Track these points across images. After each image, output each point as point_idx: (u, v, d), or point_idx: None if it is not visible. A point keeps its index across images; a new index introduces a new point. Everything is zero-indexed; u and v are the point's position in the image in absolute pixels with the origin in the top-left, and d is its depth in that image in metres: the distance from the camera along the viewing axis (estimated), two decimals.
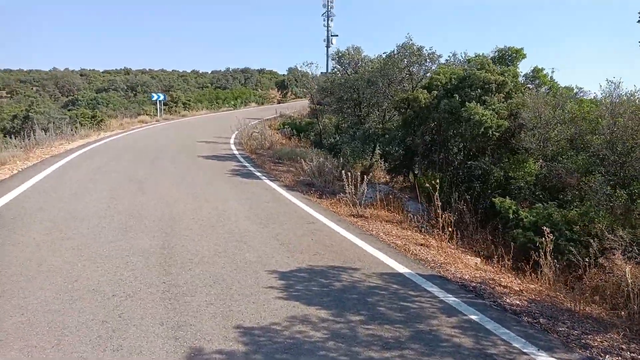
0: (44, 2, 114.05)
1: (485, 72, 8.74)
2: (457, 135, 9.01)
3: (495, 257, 5.66)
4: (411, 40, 10.58)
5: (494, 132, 8.02)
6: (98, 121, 26.14)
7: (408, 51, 10.44)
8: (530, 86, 9.66)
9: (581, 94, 9.60)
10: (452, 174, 9.75)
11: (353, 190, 8.55)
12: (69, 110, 42.40)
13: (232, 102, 49.59)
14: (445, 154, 10.24)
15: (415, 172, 11.95)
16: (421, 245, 6.02)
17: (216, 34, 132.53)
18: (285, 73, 78.23)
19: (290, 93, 62.91)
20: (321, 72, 21.81)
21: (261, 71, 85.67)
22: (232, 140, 19.69)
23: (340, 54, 13.73)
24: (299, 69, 20.82)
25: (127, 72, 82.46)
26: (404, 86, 11.21)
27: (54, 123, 25.11)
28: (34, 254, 4.73)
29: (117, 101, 49.08)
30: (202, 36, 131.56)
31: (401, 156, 11.11)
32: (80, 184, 8.56)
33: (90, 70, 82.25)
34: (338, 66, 14.19)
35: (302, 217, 7.09)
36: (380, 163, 14.13)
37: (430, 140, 10.32)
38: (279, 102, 57.26)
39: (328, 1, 77.81)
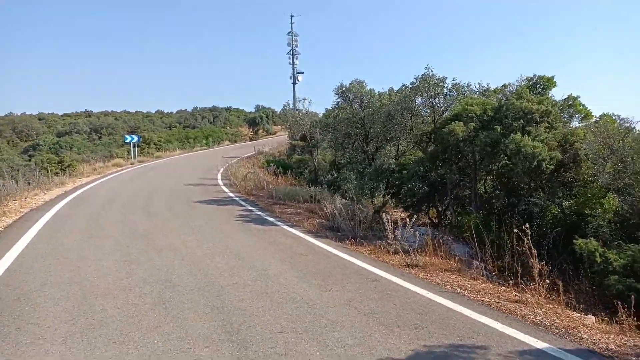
0: None
1: (527, 101, 8.18)
2: (502, 169, 8.33)
3: (602, 313, 4.85)
4: (432, 71, 10.02)
5: (548, 165, 7.36)
6: (66, 166, 24.44)
7: (429, 82, 9.84)
8: (565, 116, 9.19)
9: (621, 122, 9.21)
10: (489, 211, 9.03)
11: (393, 234, 7.67)
12: (29, 156, 40.12)
13: (204, 141, 48.29)
14: (476, 189, 9.56)
15: (441, 209, 11.20)
16: (516, 302, 5.10)
17: (179, 74, 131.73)
18: (253, 110, 78.12)
19: (261, 130, 62.26)
20: (323, 112, 21.16)
21: (229, 109, 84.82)
22: (220, 181, 18.55)
23: (344, 89, 13.07)
24: (286, 107, 19.96)
25: (88, 114, 79.74)
26: (423, 119, 10.57)
27: (18, 171, 23.26)
28: (63, 356, 3.52)
29: (81, 144, 46.91)
30: (165, 76, 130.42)
31: (426, 192, 10.34)
32: (81, 244, 7.26)
33: (49, 114, 78.97)
34: (341, 101, 13.50)
35: (357, 273, 6.08)
36: (390, 200, 13.39)
37: (460, 176, 9.62)
38: (251, 140, 56.35)
39: (292, 40, 79.16)
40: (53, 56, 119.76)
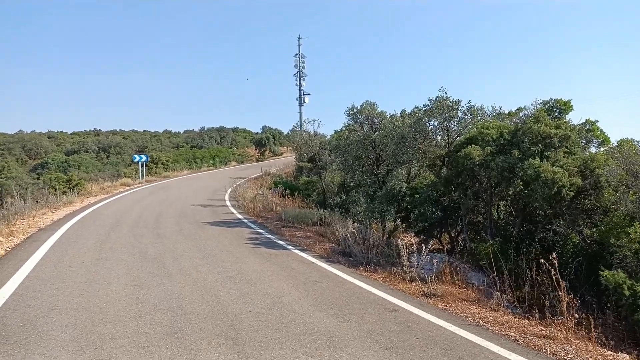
0: (8, 64, 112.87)
1: (545, 125, 8.04)
2: (518, 195, 8.13)
3: (634, 351, 4.59)
4: (445, 93, 9.93)
5: (568, 192, 7.16)
6: (74, 185, 24.43)
7: (443, 105, 9.74)
8: (582, 141, 9.04)
9: None
10: (505, 238, 8.79)
11: (408, 261, 7.46)
12: (37, 174, 40.31)
13: (211, 161, 48.43)
14: (490, 215, 9.34)
15: (454, 235, 10.96)
16: (544, 337, 4.85)
17: (187, 94, 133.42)
18: (260, 131, 78.65)
19: (268, 151, 62.47)
20: (331, 134, 21.09)
21: (235, 129, 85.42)
22: (228, 202, 18.44)
23: (355, 110, 13.00)
24: (296, 127, 19.94)
25: (97, 133, 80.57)
26: (437, 142, 10.45)
27: (27, 189, 23.29)
28: None
29: (89, 163, 47.20)
30: (173, 97, 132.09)
31: (438, 217, 10.12)
32: (89, 267, 7.09)
33: (58, 132, 79.80)
34: (352, 122, 13.42)
35: (375, 302, 5.86)
36: (400, 224, 13.16)
37: (475, 201, 9.42)
38: (257, 160, 56.47)
39: (300, 62, 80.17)
40: (63, 75, 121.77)
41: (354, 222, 9.94)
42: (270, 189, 24.46)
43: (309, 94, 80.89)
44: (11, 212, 12.56)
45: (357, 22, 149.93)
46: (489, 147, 8.27)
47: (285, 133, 78.25)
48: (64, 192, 19.53)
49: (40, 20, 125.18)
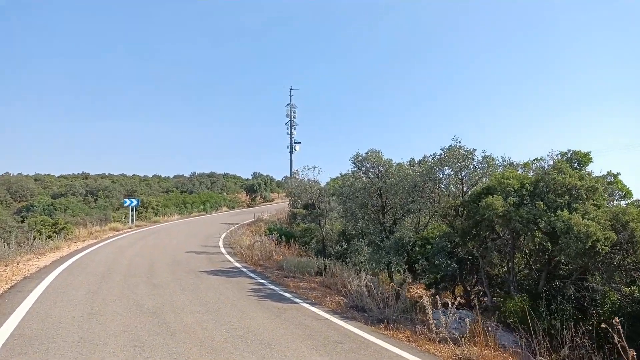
0: None
1: (569, 176, 7.71)
2: (542, 248, 7.67)
3: None
4: (459, 142, 9.66)
5: (603, 246, 6.72)
6: (60, 229, 23.44)
7: (457, 154, 9.44)
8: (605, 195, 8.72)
9: None
10: (531, 294, 8.23)
11: (433, 319, 6.85)
12: (22, 217, 39.00)
13: (202, 207, 47.62)
14: (512, 268, 8.83)
15: (469, 289, 10.36)
16: None
17: (177, 140, 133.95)
18: (250, 177, 78.38)
19: (259, 197, 61.93)
20: (327, 181, 20.75)
21: (226, 175, 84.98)
22: (223, 249, 17.69)
23: (360, 158, 12.69)
24: (294, 175, 19.56)
25: (85, 176, 79.40)
26: (449, 191, 10.07)
27: (10, 232, 22.22)
28: None
29: (76, 207, 45.98)
30: (163, 142, 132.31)
31: (454, 270, 9.57)
32: (82, 323, 6.33)
33: (45, 174, 78.46)
34: (357, 170, 13.08)
35: None
36: (407, 275, 12.56)
37: (496, 253, 8.94)
38: (248, 206, 55.84)
39: (291, 111, 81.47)
40: (52, 118, 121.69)
41: (366, 273, 9.30)
42: (265, 235, 23.74)
43: (300, 143, 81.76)
44: None
45: (346, 77, 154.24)
46: (511, 198, 7.87)
47: (278, 180, 78.34)
48: (49, 236, 18.61)
49: (29, 64, 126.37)
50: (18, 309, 6.92)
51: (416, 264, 11.75)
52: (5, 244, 13.04)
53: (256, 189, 62.33)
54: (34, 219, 28.60)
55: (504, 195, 8.17)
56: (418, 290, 12.82)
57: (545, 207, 7.58)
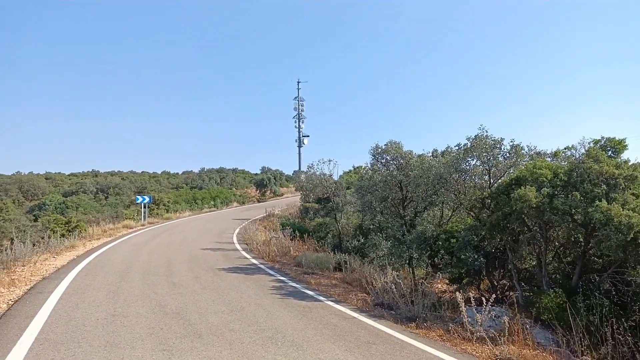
0: (7, 108, 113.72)
1: (607, 165, 7.38)
2: (576, 241, 7.36)
3: None
4: (486, 132, 9.32)
5: None
6: (73, 227, 23.44)
7: (485, 144, 9.11)
8: None
9: None
10: (565, 289, 7.93)
11: (468, 316, 6.59)
12: (34, 215, 39.19)
13: (212, 202, 47.55)
14: (545, 262, 8.52)
15: (497, 284, 10.07)
16: None
17: (185, 136, 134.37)
18: (259, 172, 78.31)
19: (269, 192, 61.77)
20: (340, 174, 20.43)
21: (235, 170, 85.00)
22: (238, 245, 17.51)
23: (380, 150, 12.38)
24: (309, 169, 19.27)
25: (95, 174, 79.82)
26: (475, 183, 9.75)
27: (25, 232, 22.26)
28: None
29: (87, 204, 46.20)
30: (171, 137, 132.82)
31: (482, 264, 9.27)
32: (106, 325, 6.15)
33: (56, 173, 78.96)
34: (376, 162, 12.77)
35: None
36: (430, 270, 12.28)
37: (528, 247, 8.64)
38: (259, 201, 55.67)
39: (299, 105, 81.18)
40: (62, 119, 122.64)
41: (391, 269, 9.04)
42: (277, 230, 23.57)
43: (308, 136, 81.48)
44: (10, 257, 11.61)
45: (356, 70, 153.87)
46: (545, 189, 7.55)
47: (288, 174, 78.24)
48: (63, 235, 18.56)
49: (38, 65, 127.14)
50: (40, 312, 6.76)
51: (435, 258, 11.50)
52: (21, 243, 12.95)
53: (266, 183, 62.11)
54: (47, 217, 28.72)
55: (536, 186, 7.85)
56: (439, 285, 12.56)
57: (581, 198, 7.25)
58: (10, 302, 7.44)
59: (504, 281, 10.62)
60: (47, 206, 41.90)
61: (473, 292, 10.92)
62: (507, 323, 6.12)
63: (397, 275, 8.60)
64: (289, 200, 45.82)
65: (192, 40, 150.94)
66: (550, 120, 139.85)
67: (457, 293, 6.60)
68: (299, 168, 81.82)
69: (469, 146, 9.36)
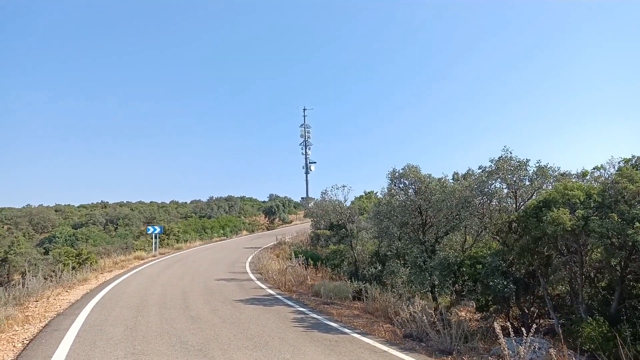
0: (17, 143, 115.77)
1: None
2: (617, 264, 7.02)
3: None
4: (510, 153, 9.10)
5: None
6: (84, 259, 23.20)
7: (510, 165, 8.87)
8: None
9: None
10: (608, 317, 7.51)
11: (509, 350, 6.20)
12: (44, 248, 39.05)
13: (221, 231, 47.29)
14: (582, 289, 8.13)
15: (527, 311, 9.64)
16: None
17: (192, 165, 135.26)
18: (267, 199, 78.19)
19: (278, 219, 61.50)
20: (352, 200, 20.19)
21: (243, 198, 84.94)
22: (252, 275, 17.17)
23: (398, 174, 12.16)
24: (322, 196, 19.05)
25: (104, 205, 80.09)
26: (501, 206, 9.46)
27: (36, 265, 22.03)
28: None
29: (97, 236, 46.07)
30: (179, 169, 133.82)
31: (512, 290, 8.88)
32: None
33: (65, 205, 79.31)
34: (394, 187, 12.54)
35: None
36: (456, 298, 11.86)
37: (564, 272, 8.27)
38: (268, 229, 55.37)
39: (305, 132, 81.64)
40: (70, 148, 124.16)
41: (420, 299, 8.69)
42: (291, 258, 23.19)
43: (315, 162, 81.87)
44: (23, 293, 11.37)
45: (361, 98, 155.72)
46: (580, 211, 7.25)
47: (296, 201, 77.97)
48: (74, 267, 18.31)
49: (46, 100, 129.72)
50: (57, 351, 6.46)
51: (458, 285, 11.10)
52: (33, 277, 12.72)
53: (274, 211, 61.95)
54: (58, 250, 28.54)
55: (568, 208, 7.55)
56: (463, 314, 12.11)
57: (618, 219, 6.94)
58: (25, 342, 7.15)
59: (533, 308, 10.18)
60: (57, 238, 41.82)
61: (501, 320, 10.51)
62: (554, 356, 5.73)
63: (427, 305, 8.24)
64: (298, 228, 45.48)
65: (199, 65, 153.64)
66: (555, 136, 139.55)
67: (495, 323, 6.23)
68: (307, 194, 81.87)
69: (493, 168, 9.10)
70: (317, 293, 13.14)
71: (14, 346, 6.87)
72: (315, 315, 9.74)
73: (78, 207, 78.57)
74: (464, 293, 11.20)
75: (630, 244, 6.82)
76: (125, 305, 10.35)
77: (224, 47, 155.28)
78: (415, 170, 12.17)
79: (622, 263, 7.44)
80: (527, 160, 8.93)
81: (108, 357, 6.22)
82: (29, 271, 14.93)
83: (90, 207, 78.02)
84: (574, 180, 9.70)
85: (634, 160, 8.47)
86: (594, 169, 9.08)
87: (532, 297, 9.86)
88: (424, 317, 7.61)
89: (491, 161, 9.30)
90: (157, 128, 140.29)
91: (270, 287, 14.11)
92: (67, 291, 12.81)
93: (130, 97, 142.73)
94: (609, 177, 8.56)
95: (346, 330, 8.29)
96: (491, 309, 10.36)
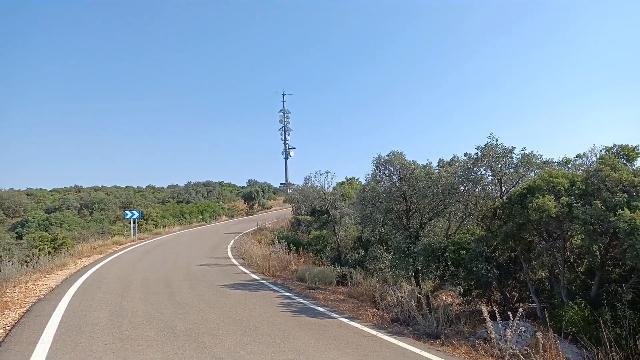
0: None
1: (625, 173, 7.28)
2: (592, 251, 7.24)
3: None
4: (496, 140, 9.21)
5: None
6: (60, 244, 22.68)
7: (496, 153, 8.99)
8: None
9: None
10: (589, 301, 7.76)
11: (496, 333, 6.36)
12: (16, 233, 38.03)
13: (200, 217, 46.83)
14: (564, 273, 8.36)
15: (509, 295, 9.88)
16: None
17: (170, 149, 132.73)
18: (246, 184, 77.73)
19: (257, 205, 61.21)
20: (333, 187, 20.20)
21: (221, 183, 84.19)
22: (234, 260, 17.12)
23: (383, 160, 12.19)
24: (306, 182, 19.04)
25: (78, 189, 78.18)
26: (486, 193, 9.61)
27: (10, 250, 21.44)
28: None
29: (72, 221, 45.06)
30: (155, 151, 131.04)
31: (495, 275, 9.08)
32: (116, 352, 5.74)
33: (37, 189, 77.06)
34: (380, 173, 12.58)
35: None
36: (439, 283, 12.07)
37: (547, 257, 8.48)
38: (247, 214, 55.10)
39: (285, 117, 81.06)
40: (42, 132, 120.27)
41: (410, 285, 8.80)
42: (273, 243, 23.17)
43: (294, 148, 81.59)
44: (0, 278, 11.05)
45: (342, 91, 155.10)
46: (564, 198, 7.42)
47: (276, 186, 77.69)
48: (49, 252, 17.87)
49: (19, 72, 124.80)
50: (42, 337, 6.32)
51: (439, 270, 11.29)
52: (10, 262, 12.37)
53: (254, 196, 61.56)
54: (32, 235, 27.83)
55: (553, 195, 7.71)
56: (444, 298, 12.35)
57: (602, 207, 7.13)
58: (7, 327, 6.97)
59: (514, 293, 10.45)
60: (30, 223, 40.74)
61: (483, 304, 10.76)
62: (541, 339, 5.89)
63: (417, 290, 8.35)
64: (278, 213, 45.39)
65: (178, 52, 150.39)
66: (530, 123, 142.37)
67: (483, 307, 6.37)
68: (286, 180, 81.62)
69: (479, 155, 9.21)
70: (302, 278, 13.17)
71: None
72: (301, 300, 9.78)
73: (50, 191, 76.48)
74: (446, 278, 11.42)
75: (611, 230, 7.02)
76: (108, 291, 10.18)
77: (200, 31, 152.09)
78: (400, 157, 12.21)
79: (603, 249, 7.67)
80: (513, 148, 9.08)
81: (95, 342, 6.11)
82: (3, 256, 14.52)
83: (63, 191, 76.05)
84: (556, 168, 9.92)
85: (615, 149, 8.69)
86: (576, 157, 9.29)
87: (513, 282, 10.11)
88: (412, 302, 7.70)
89: (477, 148, 9.41)
90: (131, 110, 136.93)
91: (254, 272, 14.09)
92: (45, 276, 12.52)
93: (105, 77, 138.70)
94: (591, 165, 8.76)
95: (333, 315, 8.35)
96: (473, 293, 10.58)
